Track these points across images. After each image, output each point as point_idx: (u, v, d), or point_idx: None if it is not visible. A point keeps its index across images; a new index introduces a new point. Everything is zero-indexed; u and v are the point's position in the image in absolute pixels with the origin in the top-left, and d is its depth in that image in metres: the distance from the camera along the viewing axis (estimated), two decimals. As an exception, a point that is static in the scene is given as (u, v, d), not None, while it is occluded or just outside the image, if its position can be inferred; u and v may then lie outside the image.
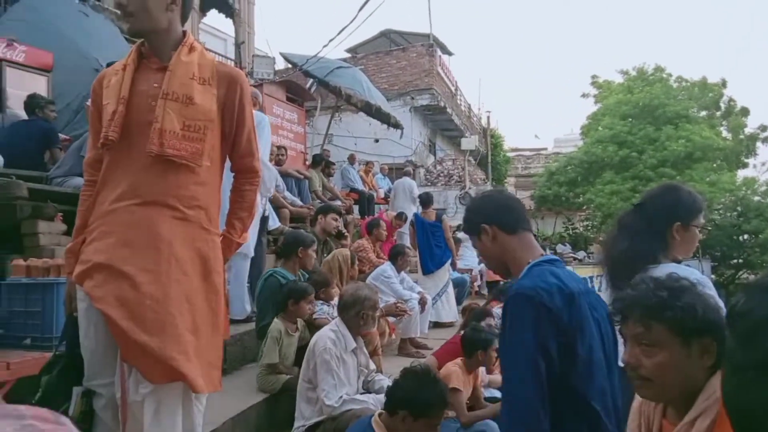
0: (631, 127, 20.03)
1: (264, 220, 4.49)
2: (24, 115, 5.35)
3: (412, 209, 8.31)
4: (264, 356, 3.32)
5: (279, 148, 8.11)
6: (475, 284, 9.25)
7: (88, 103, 2.24)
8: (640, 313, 1.24)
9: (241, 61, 13.77)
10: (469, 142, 17.45)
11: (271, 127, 9.15)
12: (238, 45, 14.10)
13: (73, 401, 1.73)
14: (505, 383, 1.54)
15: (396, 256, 5.34)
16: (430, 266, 6.47)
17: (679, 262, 1.85)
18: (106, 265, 1.66)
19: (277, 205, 5.87)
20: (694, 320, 1.18)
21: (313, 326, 3.57)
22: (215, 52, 13.46)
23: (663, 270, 1.56)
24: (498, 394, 3.40)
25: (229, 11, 13.72)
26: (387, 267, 5.25)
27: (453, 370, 3.24)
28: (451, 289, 6.64)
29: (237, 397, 3.16)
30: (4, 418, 0.50)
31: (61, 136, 5.39)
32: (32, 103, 5.15)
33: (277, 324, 3.38)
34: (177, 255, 1.70)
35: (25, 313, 2.95)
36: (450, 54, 21.53)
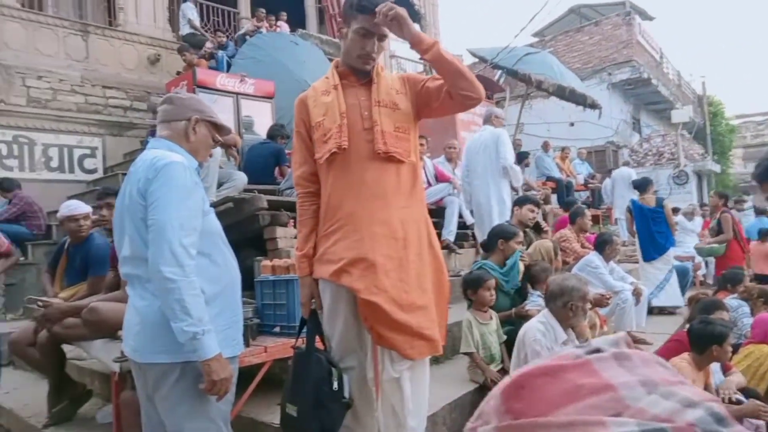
0: None
1: None
2: (246, 137, 6.40)
3: (626, 198, 8.17)
4: (461, 346, 3.44)
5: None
6: (699, 273, 8.24)
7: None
8: None
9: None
10: (682, 114, 15.53)
11: (462, 122, 9.40)
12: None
13: (345, 382, 1.96)
14: None
15: (603, 245, 5.05)
16: (652, 253, 6.10)
17: None
18: (360, 259, 1.90)
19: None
20: None
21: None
22: (406, 58, 14.16)
23: None
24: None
25: (415, 16, 14.28)
26: (594, 257, 4.99)
27: (681, 366, 2.98)
28: (674, 277, 6.12)
29: (451, 385, 3.33)
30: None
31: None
32: (273, 130, 6.14)
33: (467, 314, 3.49)
34: (408, 240, 1.97)
35: (273, 306, 3.50)
36: (651, 19, 19.44)
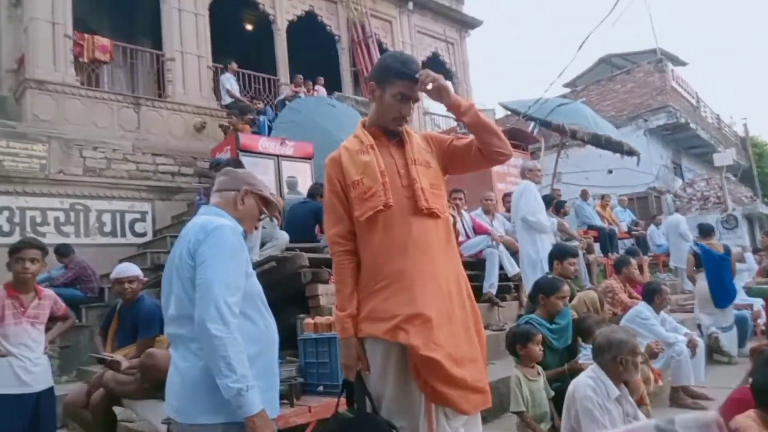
0: None
1: None
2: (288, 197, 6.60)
3: (683, 246, 8.42)
4: (511, 405, 3.34)
5: (508, 194, 8.24)
6: (759, 321, 7.82)
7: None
8: None
9: (463, 117, 14.47)
10: (724, 157, 15.17)
11: (499, 174, 9.44)
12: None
13: None
14: None
15: (652, 294, 4.89)
16: (725, 300, 6.03)
17: None
18: (416, 315, 1.90)
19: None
20: None
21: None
22: (439, 114, 14.47)
23: None
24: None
25: (447, 75, 14.68)
26: (643, 307, 4.82)
27: (747, 425, 2.79)
28: (734, 328, 5.92)
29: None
30: None
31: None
32: (313, 188, 6.34)
33: (515, 371, 3.39)
34: (452, 292, 2.00)
35: (316, 364, 3.51)
36: (684, 64, 19.41)
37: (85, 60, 9.12)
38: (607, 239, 9.07)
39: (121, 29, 11.07)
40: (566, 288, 3.88)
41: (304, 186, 7.14)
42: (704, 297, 6.12)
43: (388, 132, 2.12)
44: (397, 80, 2.00)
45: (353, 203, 2.03)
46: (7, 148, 7.66)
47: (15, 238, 6.51)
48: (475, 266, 6.16)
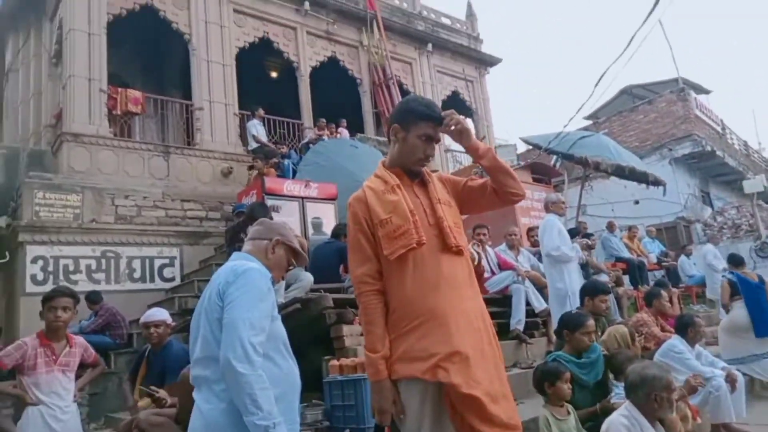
0: None
1: None
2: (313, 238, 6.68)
3: (714, 277, 8.47)
4: None
5: (532, 228, 8.19)
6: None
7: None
8: None
9: (484, 153, 14.54)
10: (754, 184, 14.78)
11: (522, 209, 9.41)
12: (479, 140, 15.01)
13: None
14: None
15: (685, 327, 4.74)
16: (764, 329, 5.81)
17: None
18: (454, 353, 1.89)
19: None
20: None
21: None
22: (459, 151, 14.57)
23: None
24: None
25: (467, 112, 14.85)
26: (676, 341, 4.68)
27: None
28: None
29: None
30: None
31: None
32: (337, 228, 6.44)
33: (543, 411, 3.30)
34: (481, 329, 2.01)
35: (343, 407, 3.49)
36: (707, 92, 19.25)
37: (119, 112, 9.52)
38: (636, 271, 8.87)
39: (153, 82, 11.58)
40: (591, 323, 3.80)
41: (329, 227, 7.23)
42: (740, 326, 5.93)
43: (411, 172, 2.17)
44: (422, 122, 2.09)
45: (381, 242, 2.03)
46: (44, 199, 7.96)
47: (49, 286, 6.69)
48: (501, 302, 6.10)
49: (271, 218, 5.60)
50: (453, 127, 2.06)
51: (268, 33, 11.55)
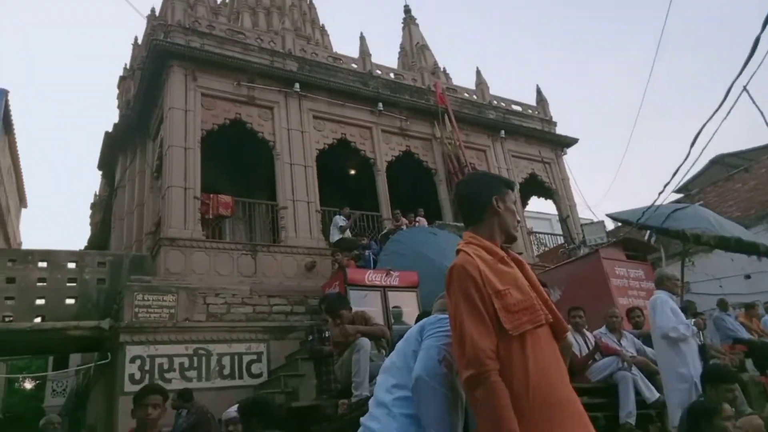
0: None
1: None
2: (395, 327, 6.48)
3: None
4: None
5: (633, 309, 7.57)
6: None
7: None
8: None
9: (570, 233, 14.06)
10: None
11: (619, 289, 8.78)
12: (563, 220, 14.59)
13: None
14: None
15: (835, 417, 4.03)
16: None
17: None
18: None
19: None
20: None
21: None
22: (542, 233, 14.17)
23: None
24: None
25: (547, 193, 14.59)
26: (826, 434, 3.96)
27: None
28: None
29: None
30: None
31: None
32: (423, 317, 6.27)
33: None
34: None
35: None
36: (813, 153, 17.79)
37: (210, 216, 10.20)
38: (760, 353, 7.84)
39: (241, 186, 12.42)
40: (727, 407, 3.33)
41: (408, 316, 7.06)
42: None
43: (503, 249, 2.07)
44: (509, 190, 2.14)
45: (500, 313, 1.79)
46: (143, 300, 8.45)
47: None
48: (604, 392, 5.51)
49: (350, 309, 5.55)
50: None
51: (345, 134, 12.24)
